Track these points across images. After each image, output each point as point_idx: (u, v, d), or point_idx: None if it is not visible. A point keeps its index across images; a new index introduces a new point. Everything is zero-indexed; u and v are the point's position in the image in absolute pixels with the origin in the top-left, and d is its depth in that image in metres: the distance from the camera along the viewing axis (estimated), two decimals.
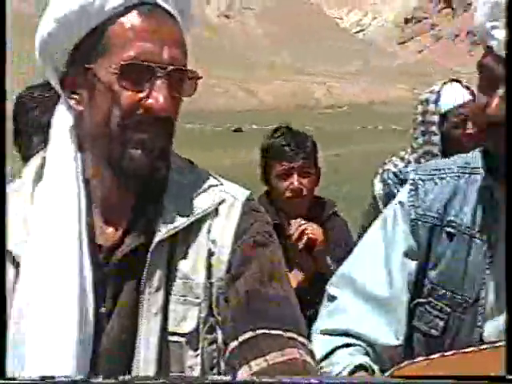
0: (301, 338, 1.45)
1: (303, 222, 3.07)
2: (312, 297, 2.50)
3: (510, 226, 1.58)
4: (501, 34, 1.55)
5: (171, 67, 1.43)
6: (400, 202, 1.81)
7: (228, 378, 1.37)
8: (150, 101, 1.42)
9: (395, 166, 3.43)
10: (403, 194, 1.81)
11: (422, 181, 1.79)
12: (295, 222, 3.07)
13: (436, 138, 3.31)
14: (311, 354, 1.46)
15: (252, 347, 1.41)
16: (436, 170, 1.81)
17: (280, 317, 1.45)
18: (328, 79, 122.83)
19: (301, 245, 3.03)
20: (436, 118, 3.31)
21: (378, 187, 3.43)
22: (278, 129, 3.36)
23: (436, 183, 1.78)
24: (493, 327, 1.69)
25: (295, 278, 3.10)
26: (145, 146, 1.43)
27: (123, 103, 1.41)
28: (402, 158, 3.46)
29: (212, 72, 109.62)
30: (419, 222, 1.76)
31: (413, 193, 1.79)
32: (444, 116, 3.29)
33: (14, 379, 1.31)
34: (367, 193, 3.62)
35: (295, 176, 3.17)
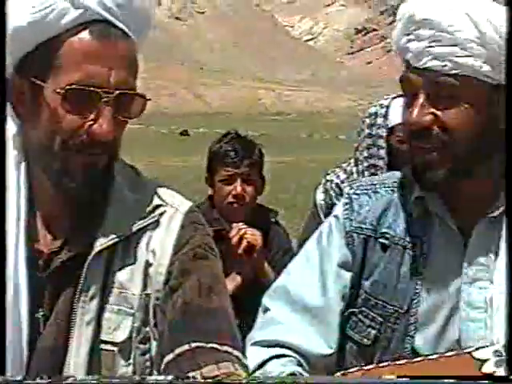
0: (236, 352, 1.46)
1: (244, 226, 3.09)
2: (248, 303, 2.51)
3: (510, 227, 1.61)
4: (415, 46, 1.63)
5: (117, 92, 1.42)
6: (335, 216, 1.84)
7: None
8: (94, 126, 1.42)
9: (338, 177, 3.47)
10: (339, 207, 1.85)
11: (357, 195, 1.83)
12: (236, 226, 3.10)
13: (382, 152, 3.34)
14: (246, 368, 1.46)
15: (188, 360, 1.42)
16: (371, 184, 1.84)
17: (216, 330, 1.47)
18: (277, 86, 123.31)
19: (240, 249, 3.06)
20: (383, 132, 3.34)
21: (320, 197, 3.46)
22: (226, 134, 3.39)
23: (370, 197, 1.81)
24: (424, 337, 1.72)
25: (233, 281, 3.13)
26: (86, 166, 1.44)
27: (66, 127, 1.41)
28: (345, 170, 3.50)
29: (161, 74, 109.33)
30: (354, 234, 1.79)
31: (347, 206, 1.82)
32: (391, 130, 3.32)
33: (14, 379, 1.31)
34: (310, 202, 3.64)
35: (239, 182, 3.20)
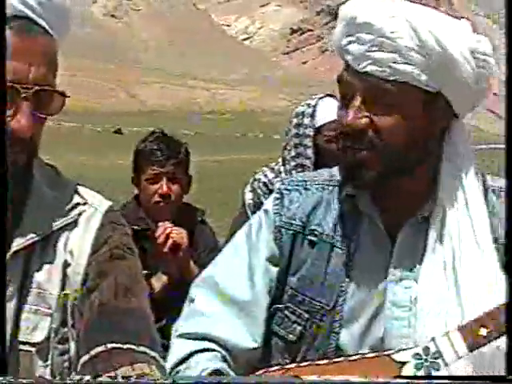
0: (153, 353, 1.45)
1: (169, 225, 3.10)
2: (174, 302, 2.52)
3: (510, 227, 1.63)
4: (355, 48, 1.64)
5: (36, 88, 1.40)
6: (265, 210, 1.85)
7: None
8: (12, 122, 1.40)
9: (265, 176, 3.49)
10: (269, 202, 1.86)
11: (288, 190, 1.84)
12: (161, 225, 3.10)
13: (309, 152, 3.37)
14: (163, 369, 1.46)
15: (103, 362, 1.40)
16: (302, 181, 1.86)
17: (133, 331, 1.46)
18: (212, 85, 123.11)
19: (165, 248, 3.06)
20: (310, 132, 3.37)
21: (248, 196, 3.48)
22: (152, 133, 3.39)
23: (301, 193, 1.82)
24: (349, 335, 1.73)
25: (159, 281, 3.13)
26: (4, 163, 1.41)
27: None
28: (273, 169, 3.52)
29: (95, 72, 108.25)
30: (283, 230, 1.80)
31: (278, 201, 1.83)
32: (318, 130, 3.34)
33: (14, 379, 1.28)
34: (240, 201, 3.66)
35: (164, 181, 3.21)
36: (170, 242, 3.08)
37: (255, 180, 3.50)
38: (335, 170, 1.83)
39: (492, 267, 1.64)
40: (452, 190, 1.69)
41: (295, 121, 3.44)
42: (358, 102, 1.65)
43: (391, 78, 1.61)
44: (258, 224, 1.85)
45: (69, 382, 1.38)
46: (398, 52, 1.60)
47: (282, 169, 3.46)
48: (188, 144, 3.43)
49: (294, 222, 1.80)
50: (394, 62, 1.60)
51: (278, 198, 1.84)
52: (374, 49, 1.62)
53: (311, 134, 3.37)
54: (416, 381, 1.48)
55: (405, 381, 1.49)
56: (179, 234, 3.10)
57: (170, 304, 2.58)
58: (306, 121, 3.39)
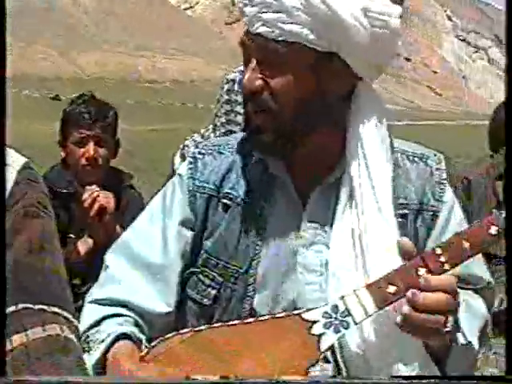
0: (66, 314, 1.43)
1: (96, 189, 3.08)
2: (99, 266, 2.51)
3: (510, 225, 1.63)
4: (248, 10, 1.65)
5: None
6: (179, 175, 1.84)
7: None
8: None
9: (194, 142, 3.47)
10: (183, 166, 1.85)
11: (202, 154, 1.83)
12: (88, 189, 3.08)
13: (239, 118, 3.35)
14: (75, 330, 1.45)
15: (15, 322, 1.38)
16: (216, 145, 1.86)
17: (45, 290, 1.44)
18: (153, 54, 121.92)
19: (92, 211, 3.04)
20: (241, 98, 3.36)
21: (177, 162, 3.47)
22: (80, 96, 3.35)
23: (215, 157, 1.82)
24: (262, 298, 1.74)
25: (84, 245, 3.11)
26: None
27: None
28: (203, 136, 3.50)
29: (35, 39, 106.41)
30: (197, 194, 1.79)
31: (191, 166, 1.82)
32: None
33: (14, 379, 1.27)
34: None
35: (91, 144, 3.18)
36: (96, 205, 3.05)
37: (185, 146, 3.49)
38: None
39: (394, 233, 1.66)
40: (357, 156, 1.70)
41: (226, 87, 3.42)
42: (253, 64, 1.67)
43: (280, 39, 1.61)
44: (172, 189, 1.84)
45: (70, 380, 1.36)
46: (285, 12, 1.60)
47: (212, 135, 3.44)
48: (117, 109, 3.41)
49: (207, 185, 1.79)
50: (282, 22, 1.61)
51: (191, 163, 1.84)
52: (264, 10, 1.62)
53: (241, 100, 3.35)
54: (416, 381, 1.49)
55: (405, 381, 1.51)
56: (106, 198, 3.08)
57: (96, 268, 2.57)
58: (237, 87, 3.36)
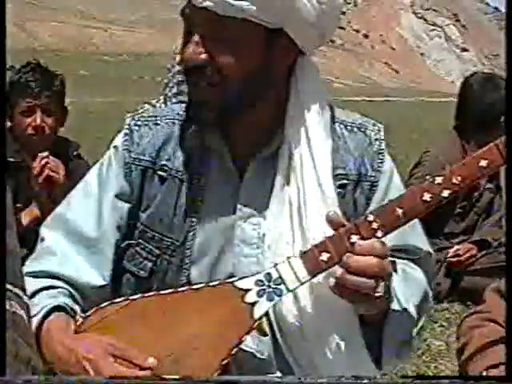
0: (16, 290, 1.43)
1: (46, 155, 3.07)
2: None
3: (511, 224, 1.62)
4: None
5: None
6: (115, 147, 1.82)
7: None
8: None
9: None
10: (118, 138, 1.82)
11: (138, 126, 1.81)
12: (38, 156, 3.06)
13: None
14: (26, 306, 1.45)
15: None
16: (152, 116, 1.83)
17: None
18: (110, 26, 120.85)
19: (40, 179, 3.03)
20: None
21: None
22: (27, 64, 3.32)
23: (151, 128, 1.80)
24: (199, 270, 1.74)
25: (30, 214, 3.10)
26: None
27: None
28: (154, 106, 3.50)
29: None
30: (132, 166, 1.77)
31: (127, 137, 1.80)
32: None
33: (14, 379, 1.25)
34: None
35: (38, 113, 3.16)
36: (45, 172, 3.05)
37: None
38: (184, 105, 1.80)
39: (333, 205, 1.66)
40: (296, 127, 1.69)
41: (178, 57, 3.40)
42: (197, 37, 1.64)
43: (228, 14, 1.60)
44: (108, 161, 1.81)
45: (66, 381, 1.35)
46: None
47: (163, 106, 3.44)
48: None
49: (143, 157, 1.77)
50: None
51: (127, 134, 1.80)
52: None
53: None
54: (415, 381, 1.50)
55: (407, 380, 1.51)
56: (55, 166, 3.07)
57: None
58: None
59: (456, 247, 4.51)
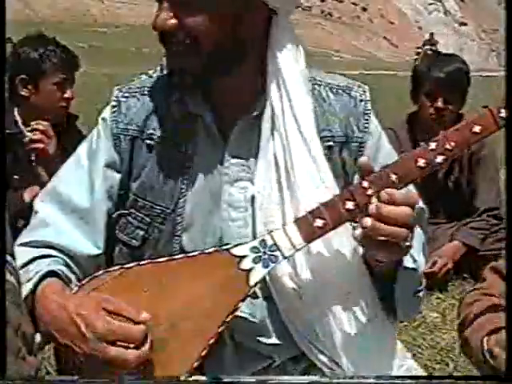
0: (7, 258, 1.44)
1: (40, 127, 3.10)
2: None
3: (511, 223, 1.63)
4: None
5: None
6: (103, 119, 1.83)
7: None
8: None
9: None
10: (107, 110, 1.84)
11: (125, 97, 1.82)
12: (34, 124, 3.10)
13: None
14: (15, 271, 1.46)
15: None
16: (140, 87, 1.84)
17: None
18: None
19: (32, 153, 3.07)
20: None
21: None
22: (48, 41, 3.51)
23: (138, 99, 1.81)
24: (190, 237, 1.75)
25: (30, 192, 3.12)
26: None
27: None
28: (151, 77, 3.49)
29: None
30: (121, 136, 1.79)
31: (115, 109, 1.81)
32: None
33: (14, 379, 1.26)
34: None
35: (70, 88, 3.35)
36: (35, 145, 3.10)
37: None
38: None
39: (322, 167, 1.68)
40: (278, 90, 1.70)
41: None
42: (165, 3, 1.64)
43: None
44: (97, 133, 1.83)
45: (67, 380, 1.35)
46: None
47: (160, 75, 3.44)
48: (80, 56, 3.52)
49: (131, 127, 1.79)
50: None
51: (114, 106, 1.82)
52: None
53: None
54: (416, 381, 1.49)
55: (407, 381, 1.52)
56: (48, 139, 3.12)
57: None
58: None
59: (434, 259, 4.48)
